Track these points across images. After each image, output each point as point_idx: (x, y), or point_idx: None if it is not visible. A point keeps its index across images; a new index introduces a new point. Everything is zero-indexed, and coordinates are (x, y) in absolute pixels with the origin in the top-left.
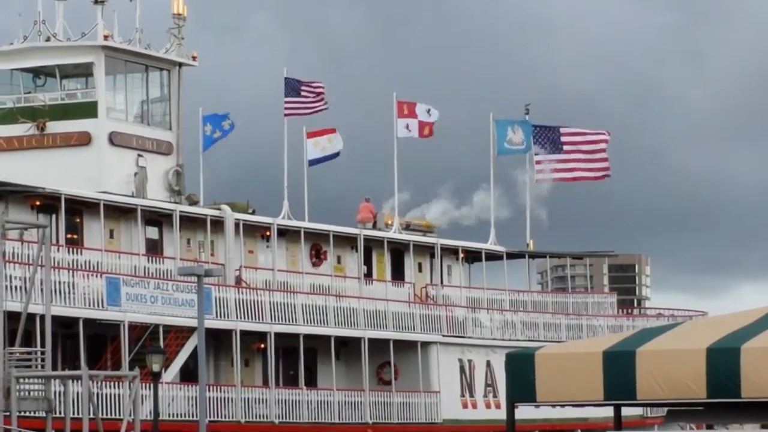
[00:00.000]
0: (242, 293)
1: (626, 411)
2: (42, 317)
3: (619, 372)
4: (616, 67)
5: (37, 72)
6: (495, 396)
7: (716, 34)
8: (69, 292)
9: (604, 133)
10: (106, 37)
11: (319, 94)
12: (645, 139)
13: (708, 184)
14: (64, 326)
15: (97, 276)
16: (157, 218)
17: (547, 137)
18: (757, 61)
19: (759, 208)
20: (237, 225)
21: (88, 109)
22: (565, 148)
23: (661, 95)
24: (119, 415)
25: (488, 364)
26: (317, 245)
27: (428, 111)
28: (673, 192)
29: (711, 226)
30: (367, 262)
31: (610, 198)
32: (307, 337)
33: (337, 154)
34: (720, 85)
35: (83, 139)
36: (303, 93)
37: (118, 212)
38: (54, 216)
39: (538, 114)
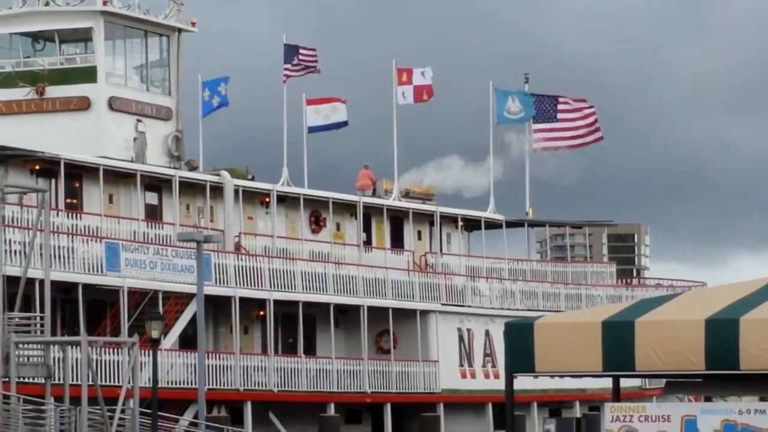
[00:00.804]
0: (241, 260)
1: (624, 382)
2: (41, 282)
3: (617, 343)
4: (617, 37)
5: (36, 36)
6: (494, 366)
7: (718, 6)
8: (68, 257)
9: (593, 106)
10: (105, 2)
11: (312, 57)
12: (646, 110)
13: (709, 154)
14: (64, 291)
15: (96, 241)
16: (156, 183)
17: (545, 106)
18: (759, 31)
19: (759, 178)
20: (236, 191)
21: (88, 74)
22: (560, 116)
23: (662, 66)
24: (118, 381)
25: (487, 333)
26: (316, 212)
27: (422, 73)
28: (673, 162)
29: (711, 196)
30: (367, 229)
31: (610, 167)
32: (306, 304)
33: (343, 124)
34: (722, 57)
35: (82, 104)
36: (300, 57)
37: (118, 177)
38: (53, 180)
39: (537, 83)
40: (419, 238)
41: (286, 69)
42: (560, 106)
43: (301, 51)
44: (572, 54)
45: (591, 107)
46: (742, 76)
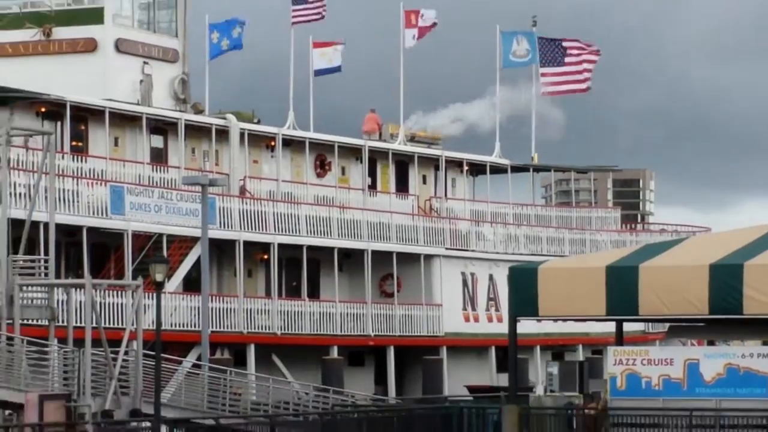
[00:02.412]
0: (246, 203)
1: (628, 326)
2: (46, 225)
3: (621, 287)
4: None
5: None
6: (497, 310)
7: None
8: (73, 200)
9: (596, 51)
10: None
11: (320, 5)
12: (652, 55)
13: (714, 98)
14: (68, 234)
15: (101, 184)
16: (162, 126)
17: (551, 50)
18: None
19: (765, 123)
20: (242, 135)
21: (95, 15)
22: (567, 60)
23: (672, 10)
24: (122, 324)
25: (491, 277)
26: (322, 156)
27: (422, 16)
28: (679, 107)
29: (716, 140)
30: (372, 173)
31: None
32: (310, 248)
33: (338, 68)
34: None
35: (89, 46)
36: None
37: (124, 120)
38: (59, 123)
39: (545, 27)
40: (424, 182)
41: (294, 11)
42: (568, 51)
43: None
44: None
45: (596, 52)
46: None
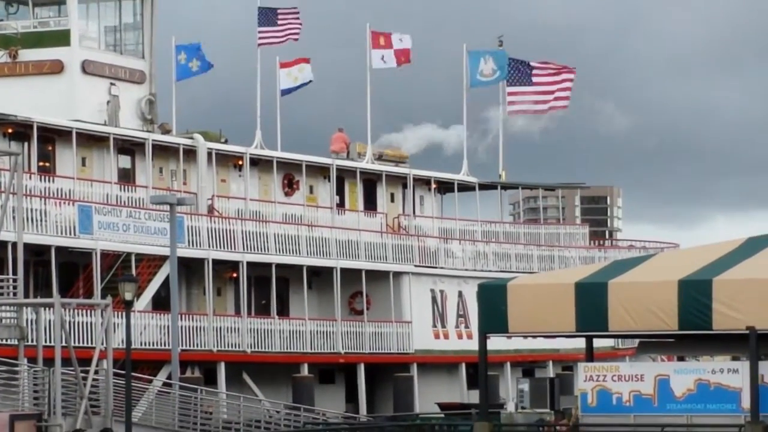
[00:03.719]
0: (215, 222)
1: (597, 343)
2: (14, 244)
3: (591, 303)
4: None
5: (9, 0)
6: (467, 327)
7: None
8: (41, 220)
9: (572, 70)
10: None
11: (296, 19)
12: (620, 71)
13: (681, 115)
14: (36, 254)
15: (69, 204)
16: (129, 147)
17: (519, 70)
18: None
19: (733, 138)
20: (210, 154)
21: (61, 37)
22: (534, 80)
23: (638, 26)
24: (92, 343)
25: (460, 294)
26: (290, 175)
27: (400, 39)
28: (646, 123)
29: (684, 157)
30: (340, 192)
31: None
32: (279, 266)
33: (307, 83)
34: (698, 19)
35: (56, 68)
36: (280, 21)
37: (91, 140)
38: (26, 144)
39: (513, 47)
40: (392, 200)
41: (260, 33)
42: (536, 70)
43: (280, 13)
44: (548, 16)
45: (571, 71)
46: (716, 38)
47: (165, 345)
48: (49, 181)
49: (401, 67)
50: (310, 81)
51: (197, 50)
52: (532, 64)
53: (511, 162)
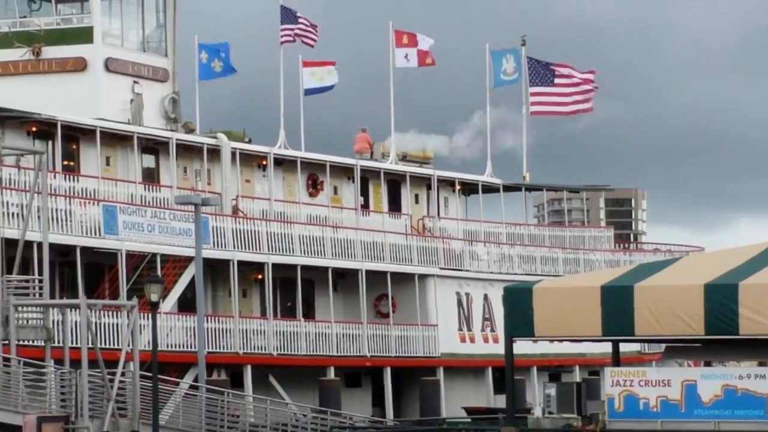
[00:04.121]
0: (239, 223)
1: (623, 347)
2: (39, 245)
3: (616, 307)
4: None
5: None
6: (493, 330)
7: None
8: (66, 220)
9: (591, 73)
10: None
11: (312, 26)
12: (643, 72)
13: (706, 117)
14: (62, 254)
15: (94, 204)
16: (153, 146)
17: (540, 71)
18: None
19: (759, 141)
20: (233, 154)
21: (84, 35)
22: (557, 81)
23: (663, 27)
24: (118, 344)
25: (485, 297)
26: (314, 175)
27: (424, 40)
28: (671, 125)
29: (709, 159)
30: (364, 193)
31: (607, 132)
32: (304, 268)
33: (331, 87)
34: (724, 19)
35: (79, 65)
36: (300, 21)
37: (115, 139)
38: (50, 142)
39: (537, 47)
40: (416, 201)
41: (283, 31)
42: (559, 70)
43: (301, 20)
44: (573, 16)
45: (592, 73)
46: (741, 39)
47: (191, 347)
48: (73, 180)
49: (423, 68)
50: (333, 85)
51: (219, 51)
52: (552, 66)
53: (535, 163)
